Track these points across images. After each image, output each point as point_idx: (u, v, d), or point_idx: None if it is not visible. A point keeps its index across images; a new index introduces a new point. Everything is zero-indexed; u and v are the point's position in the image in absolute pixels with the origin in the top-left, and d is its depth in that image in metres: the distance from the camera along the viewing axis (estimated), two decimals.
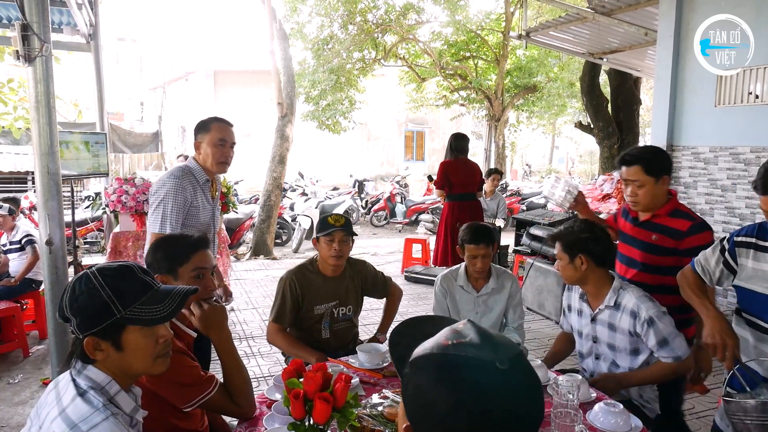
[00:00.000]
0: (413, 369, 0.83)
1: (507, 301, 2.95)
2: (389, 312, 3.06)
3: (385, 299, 3.07)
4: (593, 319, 2.35)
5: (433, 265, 6.40)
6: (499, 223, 6.99)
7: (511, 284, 2.96)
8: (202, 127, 2.75)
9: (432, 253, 6.13)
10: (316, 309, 2.76)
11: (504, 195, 9.30)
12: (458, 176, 5.56)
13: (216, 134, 2.71)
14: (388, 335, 2.99)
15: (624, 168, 2.49)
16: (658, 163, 2.45)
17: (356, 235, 2.92)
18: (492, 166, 14.75)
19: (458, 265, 3.04)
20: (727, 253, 1.93)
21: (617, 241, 2.73)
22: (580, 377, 2.03)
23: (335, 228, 2.66)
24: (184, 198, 2.65)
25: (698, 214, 2.50)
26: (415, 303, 5.98)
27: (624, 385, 2.24)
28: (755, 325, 1.84)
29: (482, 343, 0.81)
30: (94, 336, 1.29)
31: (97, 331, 1.28)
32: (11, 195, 6.41)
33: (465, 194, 5.61)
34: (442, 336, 0.85)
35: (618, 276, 2.37)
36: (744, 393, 1.70)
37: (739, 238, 1.90)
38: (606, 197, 7.26)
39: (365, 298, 3.00)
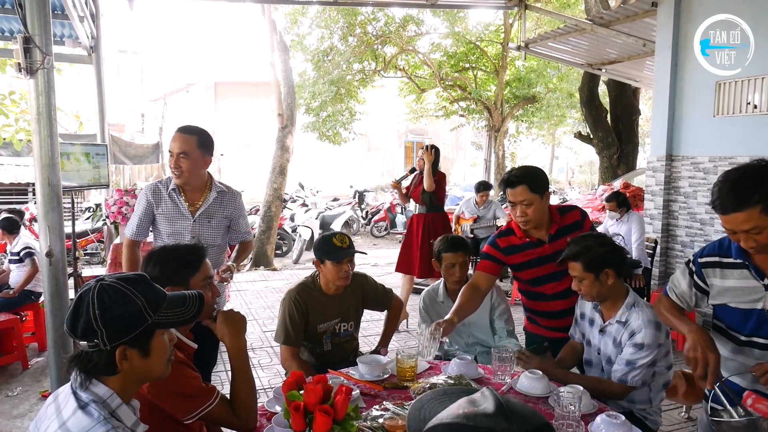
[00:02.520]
0: None
1: (490, 312, 2.94)
2: (390, 325, 3.04)
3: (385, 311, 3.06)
4: (602, 331, 2.33)
5: (416, 278, 5.78)
6: (501, 222, 7.03)
7: (491, 294, 2.92)
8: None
9: (409, 266, 5.57)
10: (318, 328, 2.73)
11: (504, 205, 9.32)
12: (414, 189, 5.57)
13: (169, 145, 2.71)
14: (388, 347, 2.99)
15: (509, 189, 2.50)
16: (540, 181, 2.51)
17: (365, 254, 2.91)
18: (492, 176, 14.77)
19: (437, 282, 3.07)
20: (695, 276, 1.91)
21: (524, 270, 2.65)
22: (581, 388, 2.02)
23: (346, 252, 2.62)
24: (146, 203, 2.75)
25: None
26: (416, 314, 5.95)
27: (564, 380, 2.20)
28: (732, 337, 1.83)
29: (497, 412, 0.76)
30: (124, 345, 1.30)
31: (129, 339, 1.30)
32: (15, 207, 6.42)
33: (422, 206, 5.56)
34: (455, 405, 0.80)
35: (632, 291, 2.32)
36: (728, 410, 1.68)
37: (704, 259, 1.89)
38: (605, 208, 7.26)
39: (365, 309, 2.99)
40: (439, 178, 5.46)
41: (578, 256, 2.22)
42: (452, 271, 2.88)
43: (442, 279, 3.03)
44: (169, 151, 2.70)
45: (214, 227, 2.80)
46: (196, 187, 2.78)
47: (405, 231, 5.86)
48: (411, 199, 5.72)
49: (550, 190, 2.59)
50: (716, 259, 1.86)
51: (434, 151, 5.50)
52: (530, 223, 2.54)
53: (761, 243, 1.65)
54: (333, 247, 2.62)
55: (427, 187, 5.33)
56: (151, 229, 2.83)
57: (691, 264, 1.94)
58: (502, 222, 7.20)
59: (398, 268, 5.65)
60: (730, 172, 1.69)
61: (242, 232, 2.97)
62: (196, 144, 2.70)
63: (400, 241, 12.36)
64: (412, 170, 5.59)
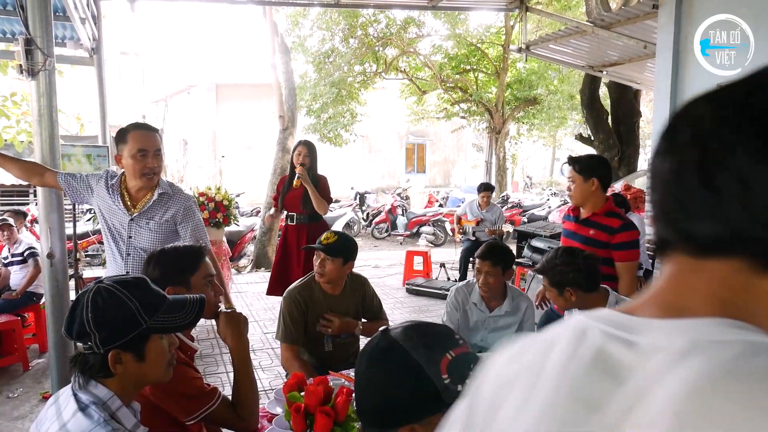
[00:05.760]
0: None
1: (522, 323, 2.91)
2: (371, 329, 2.92)
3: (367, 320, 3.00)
4: None
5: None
6: (506, 227, 7.04)
7: (526, 306, 2.92)
8: (120, 138, 2.50)
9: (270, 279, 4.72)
10: (317, 327, 2.74)
11: (504, 207, 9.32)
12: (291, 194, 4.52)
13: (134, 145, 2.47)
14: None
15: (565, 167, 3.12)
16: (587, 167, 2.94)
17: (347, 258, 2.70)
18: (493, 178, 14.77)
19: (473, 280, 3.00)
20: None
21: (561, 237, 3.23)
22: None
23: (318, 246, 2.66)
24: (91, 180, 2.64)
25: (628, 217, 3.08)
26: (417, 316, 5.97)
27: None
28: None
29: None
30: (117, 349, 1.29)
31: (122, 343, 1.29)
32: (15, 208, 6.43)
33: (302, 215, 4.54)
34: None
35: (612, 291, 2.37)
36: None
37: None
38: None
39: None
40: (323, 183, 4.53)
41: (544, 272, 2.38)
42: (479, 277, 2.85)
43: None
44: (141, 150, 2.47)
45: (153, 229, 2.59)
46: (140, 187, 2.59)
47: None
48: (284, 208, 4.61)
49: (599, 180, 2.91)
50: None
51: (309, 156, 4.46)
52: (573, 199, 3.02)
53: None
54: (319, 240, 2.71)
55: (322, 212, 4.48)
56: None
57: None
58: (508, 227, 7.21)
59: (271, 291, 4.56)
60: None
61: (191, 239, 2.65)
62: (161, 141, 2.61)
63: (400, 243, 12.40)
64: (302, 165, 4.44)
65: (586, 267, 2.30)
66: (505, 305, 2.88)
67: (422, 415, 0.95)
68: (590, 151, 13.03)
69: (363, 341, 3.35)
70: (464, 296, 2.98)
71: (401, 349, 0.96)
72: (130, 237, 2.59)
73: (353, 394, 1.74)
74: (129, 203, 2.60)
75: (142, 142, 2.49)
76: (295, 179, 4.39)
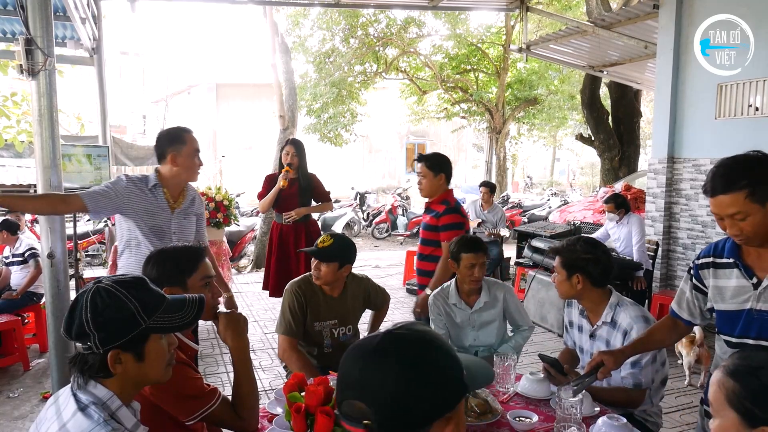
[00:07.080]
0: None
1: (504, 311, 2.92)
2: (376, 324, 3.11)
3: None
4: (592, 335, 2.35)
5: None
6: (504, 232, 7.05)
7: (504, 294, 2.92)
8: (177, 139, 2.80)
9: (270, 281, 4.57)
10: (315, 326, 2.73)
11: (505, 207, 9.32)
12: (285, 194, 4.43)
13: (192, 145, 2.82)
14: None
15: (416, 164, 3.41)
16: (436, 163, 3.36)
17: (344, 262, 2.69)
18: (493, 178, 14.76)
19: (447, 284, 3.00)
20: (693, 278, 1.95)
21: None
22: (583, 390, 2.02)
23: (313, 250, 2.67)
24: (116, 188, 2.68)
25: (459, 203, 3.43)
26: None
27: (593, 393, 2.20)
28: (725, 341, 1.87)
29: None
30: (116, 349, 1.29)
31: (121, 343, 1.29)
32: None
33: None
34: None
35: (615, 292, 2.36)
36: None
37: (700, 261, 1.92)
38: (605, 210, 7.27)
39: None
40: (316, 182, 4.58)
41: (561, 252, 2.35)
42: (471, 271, 2.79)
43: (452, 280, 2.96)
44: (197, 150, 2.84)
45: (191, 222, 2.94)
46: (182, 184, 2.91)
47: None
48: (278, 209, 4.53)
49: (445, 175, 3.37)
50: (711, 260, 1.89)
51: (297, 155, 4.44)
52: (422, 192, 3.44)
53: (745, 231, 1.66)
54: (315, 243, 2.72)
55: (331, 211, 4.73)
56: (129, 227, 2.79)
57: (690, 270, 1.98)
58: (505, 231, 7.21)
59: (274, 293, 4.46)
60: (724, 159, 1.72)
61: (203, 235, 3.05)
62: None
63: (401, 243, 12.39)
64: (290, 165, 4.40)
65: (605, 261, 2.29)
66: (482, 297, 2.87)
67: (454, 402, 0.95)
68: (591, 151, 13.03)
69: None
70: (443, 301, 2.95)
71: (421, 342, 0.97)
72: (175, 232, 2.84)
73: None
74: (170, 201, 2.85)
75: (196, 143, 2.85)
76: (282, 180, 4.35)
